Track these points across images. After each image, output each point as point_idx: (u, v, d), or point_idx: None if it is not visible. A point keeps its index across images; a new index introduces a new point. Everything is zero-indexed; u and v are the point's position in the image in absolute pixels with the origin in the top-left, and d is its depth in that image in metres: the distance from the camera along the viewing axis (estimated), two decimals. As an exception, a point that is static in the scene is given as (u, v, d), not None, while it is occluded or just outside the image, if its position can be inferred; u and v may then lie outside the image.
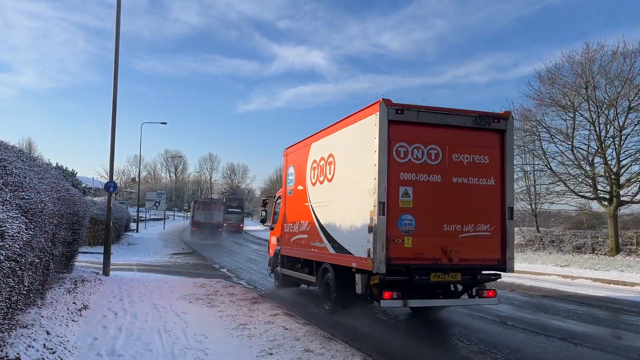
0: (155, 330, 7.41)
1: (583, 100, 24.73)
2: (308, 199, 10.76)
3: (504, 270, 8.21)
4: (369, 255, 7.65)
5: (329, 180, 9.77)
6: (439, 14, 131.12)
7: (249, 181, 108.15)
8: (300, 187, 11.46)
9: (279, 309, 9.55)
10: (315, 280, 10.23)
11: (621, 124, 23.59)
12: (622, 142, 23.79)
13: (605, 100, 23.80)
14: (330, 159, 9.80)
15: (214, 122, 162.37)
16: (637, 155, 23.63)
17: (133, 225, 44.43)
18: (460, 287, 8.46)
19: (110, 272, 13.69)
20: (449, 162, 8.03)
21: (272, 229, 14.13)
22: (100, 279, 12.23)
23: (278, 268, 12.82)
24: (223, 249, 30.01)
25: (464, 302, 8.67)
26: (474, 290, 8.33)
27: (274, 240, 13.74)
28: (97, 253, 19.47)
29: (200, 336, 7.14)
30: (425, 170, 7.92)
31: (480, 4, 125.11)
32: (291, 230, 11.81)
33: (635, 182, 23.80)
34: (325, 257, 9.66)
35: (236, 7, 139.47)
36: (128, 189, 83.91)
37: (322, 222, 9.93)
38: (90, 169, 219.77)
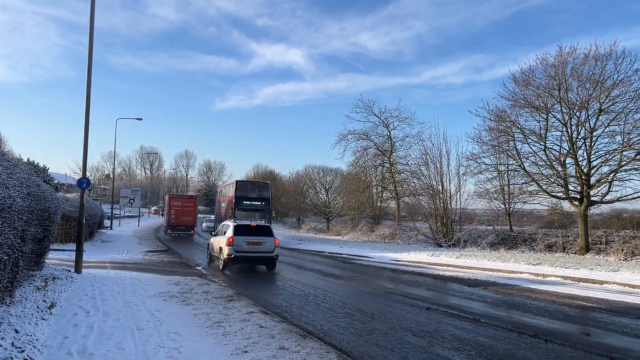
0: (127, 328, 7.29)
1: (556, 102, 25.28)
2: None
3: (195, 226, 42.71)
4: (165, 222, 44.58)
5: None
6: (416, 15, 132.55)
7: (225, 178, 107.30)
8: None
9: (254, 307, 9.52)
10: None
11: (592, 125, 24.19)
12: (592, 143, 24.41)
13: (577, 102, 24.37)
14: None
15: (191, 119, 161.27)
16: (607, 156, 24.27)
17: (107, 223, 43.75)
18: (186, 230, 41.85)
19: (83, 270, 13.44)
20: (183, 204, 42.42)
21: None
22: (71, 277, 11.99)
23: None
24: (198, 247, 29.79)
25: (187, 234, 41.81)
26: (190, 231, 41.75)
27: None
28: (69, 250, 19.10)
29: (174, 334, 7.06)
30: (177, 207, 42.06)
31: (458, 6, 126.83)
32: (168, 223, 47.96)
33: (605, 182, 24.44)
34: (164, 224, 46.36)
35: (214, 4, 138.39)
36: (102, 186, 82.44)
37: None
38: (64, 165, 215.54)
